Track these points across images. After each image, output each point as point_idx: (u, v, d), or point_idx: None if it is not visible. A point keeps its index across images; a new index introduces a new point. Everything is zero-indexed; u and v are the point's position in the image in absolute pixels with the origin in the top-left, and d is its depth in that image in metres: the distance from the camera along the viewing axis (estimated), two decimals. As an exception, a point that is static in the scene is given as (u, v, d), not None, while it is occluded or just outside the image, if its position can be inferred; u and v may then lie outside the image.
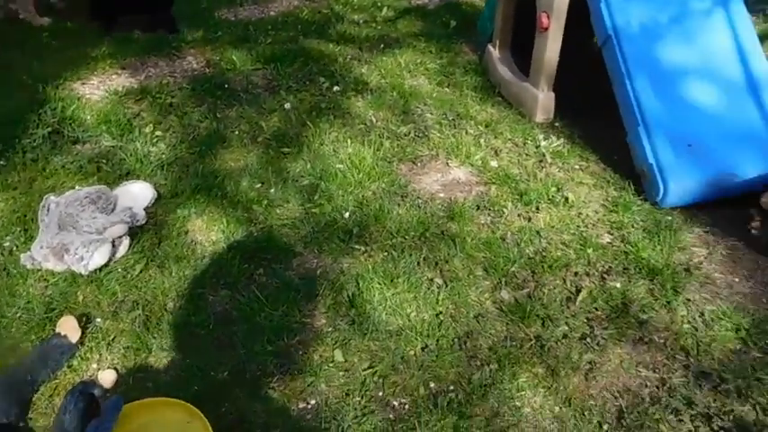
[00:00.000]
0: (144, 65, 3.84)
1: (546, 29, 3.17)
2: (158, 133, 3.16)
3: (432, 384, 2.04)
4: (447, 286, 2.38)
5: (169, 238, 2.57)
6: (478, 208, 2.77)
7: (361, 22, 4.56)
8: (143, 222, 2.61)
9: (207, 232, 2.62)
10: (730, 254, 2.60)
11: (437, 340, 2.18)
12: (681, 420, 1.95)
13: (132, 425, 1.77)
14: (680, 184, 2.73)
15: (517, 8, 3.61)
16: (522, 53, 3.55)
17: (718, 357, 2.16)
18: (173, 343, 2.17)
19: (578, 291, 2.37)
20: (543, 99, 3.36)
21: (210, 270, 2.45)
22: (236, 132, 3.23)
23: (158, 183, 2.86)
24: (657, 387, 2.06)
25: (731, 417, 1.96)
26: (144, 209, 2.66)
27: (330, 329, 2.22)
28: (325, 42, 4.17)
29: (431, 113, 3.43)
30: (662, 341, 2.21)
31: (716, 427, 1.92)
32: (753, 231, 2.71)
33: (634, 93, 2.85)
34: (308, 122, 3.27)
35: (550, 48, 3.22)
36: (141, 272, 2.42)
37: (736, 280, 2.48)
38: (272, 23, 4.43)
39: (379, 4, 4.84)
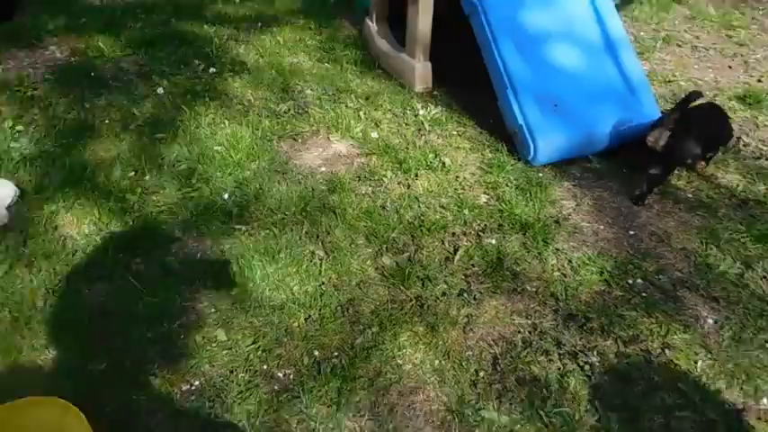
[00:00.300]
0: (-1, 57, 3.61)
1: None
2: (19, 128, 2.98)
3: (316, 353, 2.07)
4: (329, 257, 2.41)
5: (36, 236, 2.45)
6: (359, 179, 2.81)
7: (237, 1, 4.46)
8: (5, 222, 2.47)
9: (78, 226, 2.51)
10: (596, 203, 2.77)
11: (320, 310, 2.20)
12: (550, 360, 2.08)
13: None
14: (548, 143, 2.87)
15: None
16: (400, 25, 3.59)
17: (584, 299, 2.30)
18: (45, 341, 2.08)
19: (456, 250, 2.47)
20: (421, 69, 3.43)
21: (84, 264, 2.36)
22: (107, 121, 3.10)
23: (21, 180, 2.70)
24: (530, 332, 2.18)
25: (595, 352, 2.10)
26: (6, 208, 2.51)
27: (212, 311, 2.20)
28: (199, 24, 4.06)
29: (311, 89, 3.43)
30: (534, 290, 2.34)
31: (581, 363, 2.06)
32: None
33: (501, 58, 2.95)
34: (183, 106, 3.19)
35: (422, 18, 3.28)
36: (6, 273, 2.29)
37: (601, 227, 2.65)
38: (141, 7, 4.25)
39: (255, -18, 4.76)
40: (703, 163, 2.99)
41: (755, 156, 3.14)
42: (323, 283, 2.30)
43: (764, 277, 2.43)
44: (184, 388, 1.96)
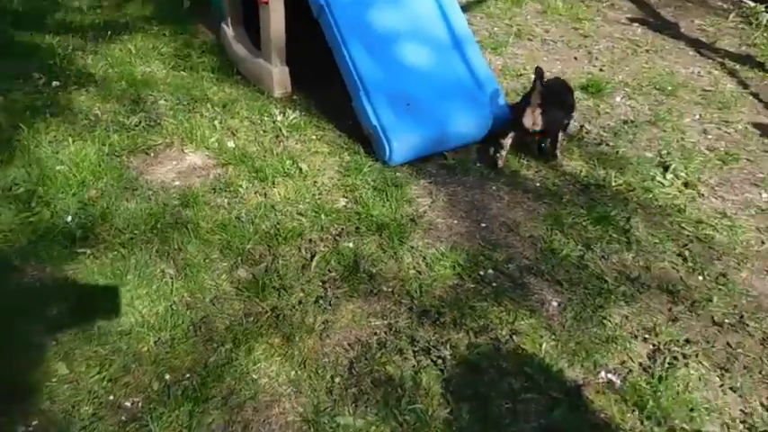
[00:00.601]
0: None
1: (266, 2, 3.19)
2: None
3: (167, 376, 2.01)
4: (181, 275, 2.34)
5: None
6: (215, 191, 2.75)
7: (84, 8, 4.24)
8: None
9: None
10: (450, 199, 2.86)
11: (171, 331, 2.14)
12: (405, 358, 2.13)
13: None
14: (403, 142, 2.93)
15: (242, -17, 3.59)
16: (258, 29, 3.54)
17: (438, 294, 2.38)
18: None
19: (313, 256, 2.47)
20: (278, 74, 3.40)
21: None
22: (-67, 145, 2.87)
23: None
24: (385, 333, 2.22)
25: (448, 345, 2.18)
26: None
27: (53, 343, 2.08)
28: (41, 34, 3.82)
29: (165, 100, 3.32)
30: (390, 290, 2.39)
31: (434, 358, 2.13)
32: (498, 161, 3.04)
33: (351, 59, 2.98)
34: (22, 124, 2.99)
35: (275, 21, 3.25)
36: None
37: (455, 222, 2.74)
38: (-27, 18, 3.97)
39: (101, -13, 4.55)
40: (561, 136, 3.18)
41: (597, 142, 3.36)
42: (174, 303, 2.24)
43: (603, 257, 2.61)
44: (21, 429, 1.85)
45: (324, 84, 3.44)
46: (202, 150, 2.98)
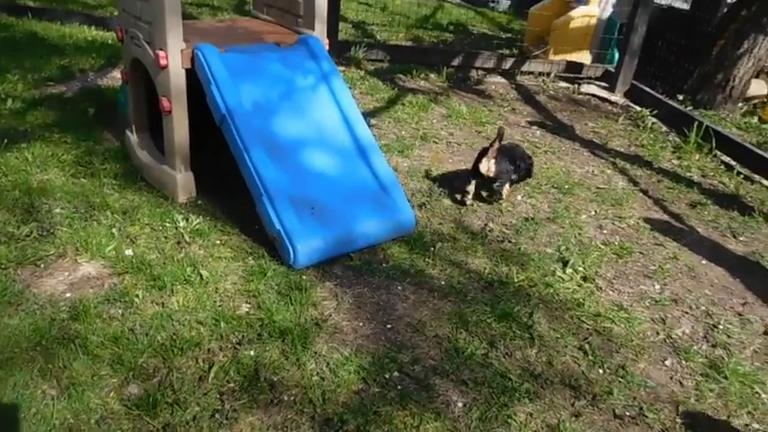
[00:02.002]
0: None
1: (169, 112, 3.22)
2: None
3: None
4: (64, 395, 2.18)
5: None
6: (108, 302, 2.63)
7: (-19, 117, 4.14)
8: None
9: None
10: (356, 300, 2.85)
11: (47, 460, 1.96)
12: (305, 474, 2.03)
13: None
14: (307, 246, 2.93)
15: (147, 90, 3.60)
16: (162, 135, 3.55)
17: (342, 401, 2.31)
18: None
19: (211, 367, 2.37)
20: (182, 179, 3.38)
21: None
22: None
23: None
24: (285, 446, 2.12)
25: (350, 456, 2.10)
26: None
27: None
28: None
29: (61, 208, 3.21)
30: (292, 398, 2.29)
31: (336, 471, 2.04)
32: (466, 201, 3.74)
33: (254, 166, 3.01)
34: None
35: (178, 129, 3.27)
36: None
37: (361, 324, 2.71)
38: None
39: (2, 95, 4.46)
40: (507, 186, 3.84)
41: (500, 239, 3.47)
42: (54, 427, 2.06)
43: (507, 354, 2.63)
44: None
45: (230, 189, 3.43)
46: (98, 260, 2.87)
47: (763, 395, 2.58)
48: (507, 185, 3.81)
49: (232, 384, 2.31)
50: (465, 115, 5.20)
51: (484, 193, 3.86)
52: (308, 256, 2.94)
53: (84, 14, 6.40)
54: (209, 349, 2.45)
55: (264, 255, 3.03)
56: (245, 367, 2.39)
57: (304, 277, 2.93)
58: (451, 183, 4.00)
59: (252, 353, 2.46)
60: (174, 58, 3.12)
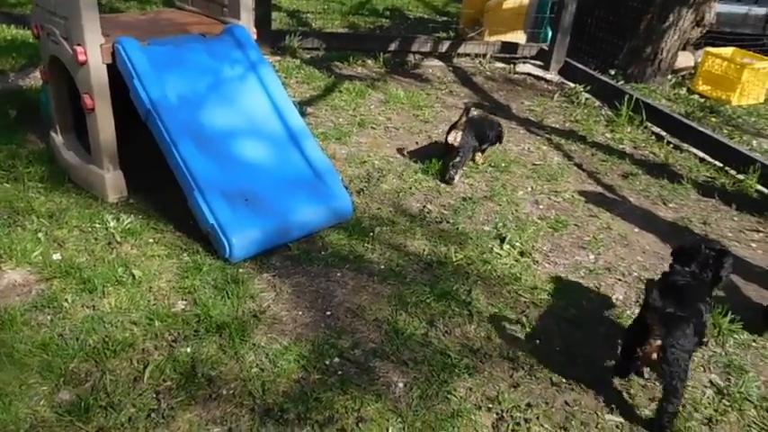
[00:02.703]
0: None
1: (92, 109, 3.12)
2: None
3: None
4: (-10, 407, 2.11)
5: None
6: (36, 308, 2.54)
7: None
8: None
9: None
10: (295, 290, 2.83)
11: (-27, 475, 1.90)
12: (245, 466, 2.01)
13: None
14: (243, 238, 2.89)
15: (70, 89, 3.48)
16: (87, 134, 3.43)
17: (282, 391, 2.30)
18: None
19: (146, 367, 2.32)
20: (111, 178, 3.29)
21: None
22: None
23: None
24: (225, 440, 2.10)
25: (291, 444, 2.09)
26: None
27: None
28: None
29: (-17, 215, 3.09)
30: (231, 392, 2.27)
31: (276, 460, 2.03)
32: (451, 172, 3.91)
33: (182, 159, 2.95)
34: None
35: (103, 127, 3.18)
36: None
37: (300, 313, 2.70)
38: None
39: None
40: (479, 153, 4.20)
41: (438, 220, 3.50)
42: (-20, 441, 2.00)
43: (446, 332, 2.67)
44: None
45: (163, 185, 3.34)
46: (23, 266, 2.77)
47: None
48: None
49: (168, 383, 2.28)
50: (403, 100, 5.20)
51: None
52: (244, 248, 2.90)
53: (2, 13, 6.13)
54: (143, 349, 2.41)
55: (199, 250, 2.98)
56: (182, 364, 2.35)
57: (241, 270, 2.90)
58: (391, 167, 4.01)
59: (188, 350, 2.42)
60: (93, 54, 3.02)
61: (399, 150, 4.29)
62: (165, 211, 3.26)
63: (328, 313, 2.71)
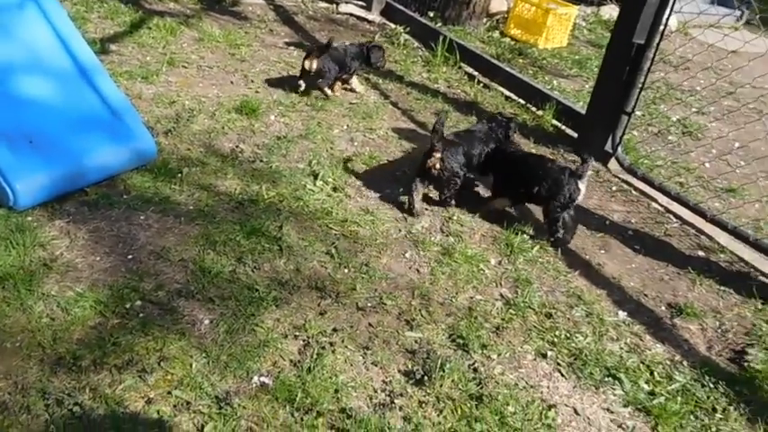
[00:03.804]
0: None
1: None
2: None
3: None
4: None
5: None
6: None
7: None
8: None
9: None
10: (92, 236, 2.68)
11: None
12: (35, 415, 1.91)
13: None
14: (29, 183, 2.66)
15: None
16: None
17: (76, 338, 2.19)
18: None
19: None
20: None
21: None
22: None
23: None
24: (10, 393, 1.97)
25: (87, 389, 2.01)
26: None
27: None
28: None
29: None
30: (17, 345, 2.13)
31: (70, 406, 1.95)
32: None
33: (-51, 99, 2.63)
34: None
35: None
36: None
37: (98, 259, 2.57)
38: None
39: None
40: (339, 83, 4.45)
41: (251, 160, 3.46)
42: None
43: (255, 268, 2.68)
44: None
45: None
46: None
47: (487, 271, 2.94)
48: (329, 84, 4.32)
49: (-61, 342, 2.08)
50: (218, 38, 4.99)
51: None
52: (30, 195, 2.68)
53: None
54: None
55: (-21, 199, 2.71)
56: (-46, 321, 2.15)
57: (29, 218, 2.68)
58: (203, 107, 3.87)
59: (-36, 306, 2.22)
60: None
61: (212, 89, 4.14)
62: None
63: (129, 257, 2.60)
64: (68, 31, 3.09)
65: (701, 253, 3.31)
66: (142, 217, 2.84)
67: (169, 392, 2.06)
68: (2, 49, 2.89)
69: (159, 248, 2.67)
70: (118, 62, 4.20)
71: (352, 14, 6.42)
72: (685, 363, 2.59)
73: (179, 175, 3.16)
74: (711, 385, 2.48)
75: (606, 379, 2.44)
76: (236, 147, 3.55)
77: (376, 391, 2.24)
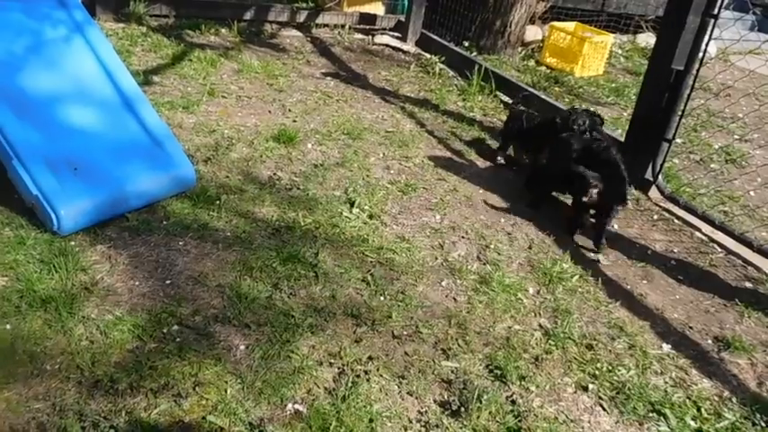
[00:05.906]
0: None
1: None
2: None
3: None
4: None
5: None
6: None
7: None
8: None
9: None
10: (132, 261, 2.71)
11: None
12: (69, 440, 1.92)
13: None
14: (73, 209, 2.72)
15: None
16: None
17: (114, 362, 2.21)
18: None
19: (-44, 348, 2.14)
20: None
21: None
22: None
23: None
24: (48, 414, 1.99)
25: (123, 413, 2.02)
26: None
27: None
28: None
29: None
30: (56, 367, 2.15)
31: (104, 429, 1.95)
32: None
33: (-1, 127, 2.72)
34: None
35: None
36: None
37: (137, 283, 2.60)
38: None
39: None
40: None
41: (288, 187, 3.48)
42: None
43: (291, 294, 2.67)
44: None
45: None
46: None
47: (525, 300, 2.89)
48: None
49: (-16, 366, 2.12)
50: (257, 69, 5.10)
51: None
52: (73, 219, 2.73)
53: None
54: (-46, 331, 2.22)
55: (24, 224, 2.77)
56: (1, 342, 2.19)
57: (72, 243, 2.73)
58: (241, 135, 3.93)
59: (7, 327, 2.26)
60: None
61: (250, 118, 4.21)
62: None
63: (168, 282, 2.63)
64: (113, 63, 3.19)
65: (748, 284, 3.20)
66: (181, 243, 2.87)
67: (203, 417, 2.06)
68: (50, 80, 2.99)
69: (197, 274, 2.69)
70: (160, 93, 4.31)
71: (387, 45, 6.50)
72: (734, 399, 2.48)
73: (217, 202, 3.20)
74: (763, 423, 2.37)
75: (650, 414, 2.35)
76: (274, 174, 3.59)
77: (411, 422, 2.19)
